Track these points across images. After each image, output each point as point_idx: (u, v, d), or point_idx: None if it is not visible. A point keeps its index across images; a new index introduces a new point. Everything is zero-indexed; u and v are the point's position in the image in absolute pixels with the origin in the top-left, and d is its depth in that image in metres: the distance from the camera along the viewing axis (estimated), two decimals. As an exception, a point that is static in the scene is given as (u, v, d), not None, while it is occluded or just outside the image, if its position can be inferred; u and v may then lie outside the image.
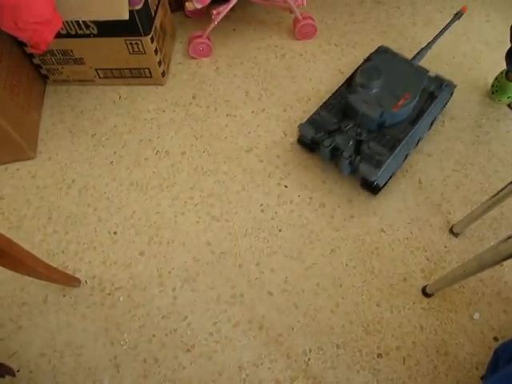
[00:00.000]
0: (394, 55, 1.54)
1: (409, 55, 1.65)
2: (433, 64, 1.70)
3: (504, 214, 1.34)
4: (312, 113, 1.45)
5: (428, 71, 1.46)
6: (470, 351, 1.13)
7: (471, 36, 1.82)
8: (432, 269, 1.25)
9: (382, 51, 1.58)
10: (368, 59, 1.55)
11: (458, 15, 1.52)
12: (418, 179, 1.42)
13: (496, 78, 1.60)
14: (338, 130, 1.37)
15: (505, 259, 0.89)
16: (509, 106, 1.58)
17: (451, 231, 1.31)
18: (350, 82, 1.47)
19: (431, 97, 1.44)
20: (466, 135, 1.52)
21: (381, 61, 1.48)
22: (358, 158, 1.30)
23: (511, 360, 0.89)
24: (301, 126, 1.41)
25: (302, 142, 1.48)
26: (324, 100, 1.48)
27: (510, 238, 0.87)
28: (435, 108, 1.43)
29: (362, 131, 1.35)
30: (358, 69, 1.47)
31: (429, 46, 1.52)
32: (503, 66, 1.57)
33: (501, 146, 1.49)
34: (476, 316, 1.18)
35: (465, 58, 1.74)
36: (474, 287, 1.22)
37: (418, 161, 1.46)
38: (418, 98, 1.36)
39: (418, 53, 1.52)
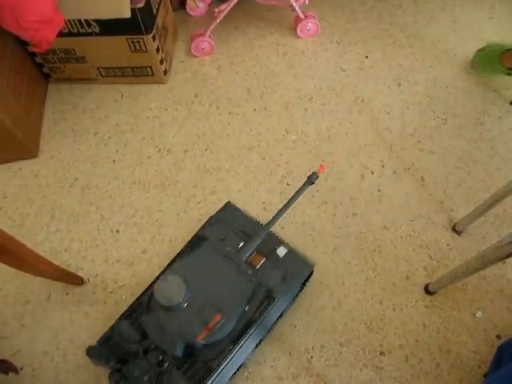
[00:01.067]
0: (228, 231, 1.14)
1: (407, 53, 1.66)
2: (434, 62, 1.70)
3: (507, 211, 1.34)
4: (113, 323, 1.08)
5: (278, 247, 1.12)
6: (472, 349, 1.13)
7: (475, 33, 1.81)
8: (435, 267, 1.25)
9: (220, 219, 1.20)
10: (197, 237, 1.18)
11: (310, 179, 1.11)
12: (420, 176, 1.42)
13: (483, 50, 1.62)
14: (136, 354, 0.99)
15: (508, 257, 0.89)
16: (511, 103, 1.58)
17: (454, 229, 1.31)
18: (150, 292, 1.07)
19: (270, 295, 1.05)
20: (468, 132, 1.52)
21: (198, 255, 1.09)
22: None
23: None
24: (89, 351, 0.99)
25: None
26: (134, 300, 1.11)
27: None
28: (277, 308, 1.06)
29: (164, 357, 0.97)
30: (159, 275, 1.12)
31: (266, 228, 1.09)
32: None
33: (503, 144, 1.48)
34: (479, 314, 1.18)
35: (468, 55, 1.73)
36: (477, 285, 1.22)
37: (420, 158, 1.45)
38: (238, 314, 0.99)
39: (251, 239, 1.09)
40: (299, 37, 1.82)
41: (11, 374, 1.06)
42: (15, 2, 1.15)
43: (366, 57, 1.75)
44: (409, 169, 1.43)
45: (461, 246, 1.28)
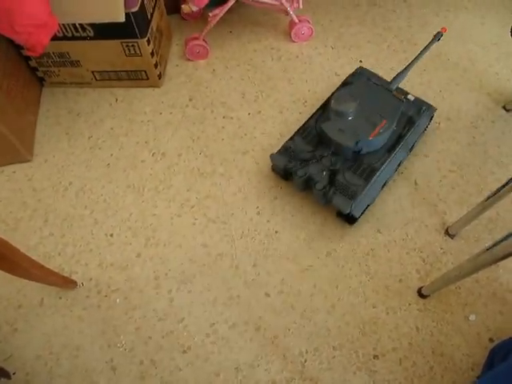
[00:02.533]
0: (372, 78, 1.47)
1: (400, 58, 1.67)
2: (428, 65, 1.71)
3: (500, 214, 1.34)
4: (288, 139, 1.39)
5: (407, 95, 1.43)
6: (465, 352, 1.13)
7: (467, 38, 1.83)
8: (428, 270, 1.26)
9: (359, 74, 1.53)
10: (345, 83, 1.51)
11: (437, 36, 1.42)
12: (414, 180, 1.42)
13: None
14: (311, 158, 1.31)
15: (500, 260, 0.89)
16: (504, 107, 1.59)
17: (447, 232, 1.31)
18: (324, 108, 1.42)
19: (410, 122, 1.39)
20: (461, 136, 1.53)
21: (357, 85, 1.43)
22: (332, 189, 1.25)
23: (506, 358, 0.89)
24: (272, 156, 1.35)
25: (275, 170, 1.44)
26: (300, 124, 1.42)
27: (505, 238, 0.87)
28: (414, 133, 1.38)
29: (336, 160, 1.29)
30: (333, 93, 1.44)
31: (407, 68, 1.42)
32: (497, 67, 1.58)
33: (496, 148, 1.49)
34: (472, 317, 1.18)
35: (460, 59, 1.75)
36: (470, 288, 1.22)
37: (414, 162, 1.46)
38: (395, 124, 1.32)
39: (396, 76, 1.43)
40: (293, 41, 1.83)
41: (3, 379, 1.05)
42: (9, 5, 1.15)
43: (360, 61, 1.76)
44: (402, 172, 1.44)
45: (454, 249, 1.29)
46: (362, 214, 1.28)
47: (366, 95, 1.35)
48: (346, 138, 1.26)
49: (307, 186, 1.31)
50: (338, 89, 1.49)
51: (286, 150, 1.35)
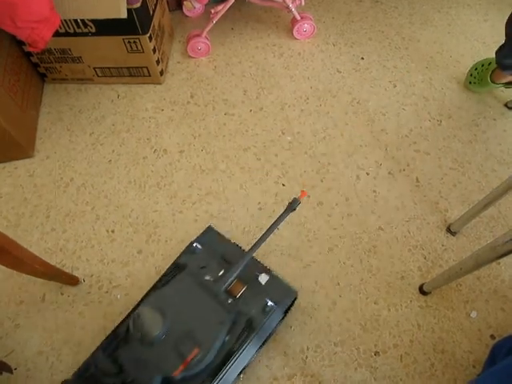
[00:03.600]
0: (208, 258, 1.10)
1: (402, 55, 1.66)
2: (430, 63, 1.71)
3: (501, 212, 1.34)
4: (92, 352, 1.04)
5: (258, 275, 1.08)
6: (467, 349, 1.13)
7: (469, 35, 1.82)
8: (429, 267, 1.26)
9: (192, 253, 1.13)
10: (174, 268, 1.13)
11: (292, 205, 1.08)
12: (415, 177, 1.42)
13: (475, 69, 1.62)
14: None
15: (501, 257, 0.89)
16: (506, 105, 1.59)
17: (448, 230, 1.31)
18: (127, 324, 0.99)
19: (252, 324, 1.01)
20: (463, 134, 1.52)
21: (175, 286, 1.04)
22: None
23: (509, 354, 0.89)
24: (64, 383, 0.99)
25: None
26: (111, 330, 1.07)
27: (506, 235, 0.87)
28: (259, 336, 1.02)
29: None
30: (138, 304, 1.08)
31: (246, 257, 1.05)
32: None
33: (498, 145, 1.49)
34: (473, 314, 1.18)
35: (462, 56, 1.75)
36: (471, 285, 1.22)
37: (415, 159, 1.46)
38: (215, 348, 0.95)
39: (231, 268, 1.04)
40: (295, 38, 1.83)
41: (5, 374, 1.05)
42: (11, 0, 1.15)
43: (362, 58, 1.76)
44: (404, 170, 1.43)
45: (455, 246, 1.29)
46: None
47: (184, 304, 1.00)
48: (144, 373, 0.92)
49: None
50: (157, 283, 1.12)
51: (84, 372, 0.99)
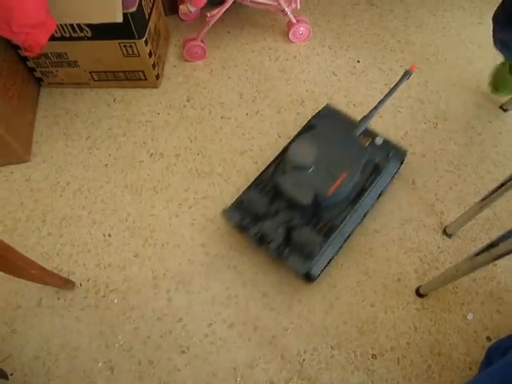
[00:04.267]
0: (337, 120, 1.39)
1: (398, 58, 1.67)
2: (425, 65, 1.71)
3: (497, 214, 1.35)
4: (243, 191, 1.28)
5: (375, 137, 1.32)
6: (463, 351, 1.14)
7: (464, 38, 1.83)
8: (425, 269, 1.26)
9: (324, 114, 1.42)
10: (308, 125, 1.39)
11: (406, 75, 1.31)
12: (411, 180, 1.42)
13: (494, 75, 1.59)
14: (267, 213, 1.20)
15: (496, 259, 0.90)
16: (501, 107, 1.60)
17: (444, 232, 1.32)
18: (282, 159, 1.29)
19: (376, 170, 1.28)
20: (458, 136, 1.53)
21: (318, 132, 1.31)
22: (288, 248, 1.15)
23: (505, 355, 0.90)
24: (225, 213, 1.24)
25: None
26: (256, 175, 1.30)
27: (501, 237, 0.88)
28: (381, 182, 1.28)
29: (293, 215, 1.19)
30: (292, 140, 1.35)
31: (373, 112, 1.31)
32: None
33: (493, 148, 1.50)
34: (469, 316, 1.19)
35: (457, 59, 1.76)
36: (468, 287, 1.23)
37: (411, 161, 1.46)
38: (358, 175, 1.21)
39: (362, 120, 1.32)
40: (291, 41, 1.83)
41: (1, 380, 1.05)
42: (7, 5, 1.15)
43: (358, 61, 1.77)
44: (400, 172, 1.44)
45: (451, 248, 1.29)
46: (322, 272, 1.18)
47: (328, 143, 1.24)
48: (303, 193, 1.16)
49: (262, 243, 1.19)
50: (298, 133, 1.38)
51: (240, 204, 1.24)
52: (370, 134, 1.34)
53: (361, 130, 1.30)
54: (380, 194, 1.30)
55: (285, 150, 1.34)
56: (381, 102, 1.31)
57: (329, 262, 1.19)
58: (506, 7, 1.32)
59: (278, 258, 1.16)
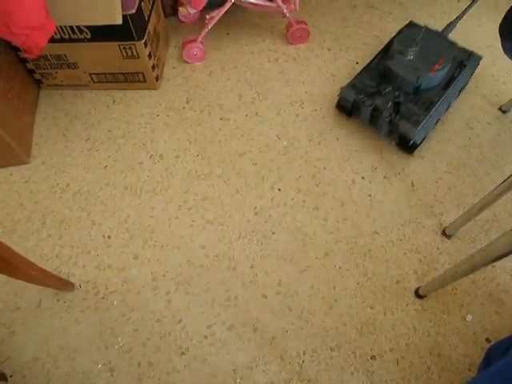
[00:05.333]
0: (425, 28, 1.59)
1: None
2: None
3: (496, 215, 1.35)
4: (354, 76, 1.56)
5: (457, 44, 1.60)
6: (462, 352, 1.14)
7: (463, 40, 1.83)
8: (425, 271, 1.26)
9: (412, 25, 1.70)
10: (400, 32, 1.66)
11: None
12: (410, 181, 1.43)
13: None
14: (377, 93, 1.47)
15: (495, 260, 0.90)
16: (500, 109, 1.60)
17: (444, 233, 1.32)
18: (387, 50, 1.60)
19: (460, 65, 1.54)
20: (457, 138, 1.53)
21: (413, 31, 1.53)
22: (398, 117, 1.41)
23: (505, 355, 0.90)
24: (343, 89, 1.51)
25: (341, 106, 1.58)
26: (363, 66, 1.59)
27: (500, 238, 0.88)
28: (464, 76, 1.54)
29: (399, 94, 1.44)
30: (393, 38, 1.61)
31: (458, 18, 1.56)
32: (493, 69, 1.59)
33: (492, 149, 1.50)
34: (469, 317, 1.19)
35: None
36: (467, 289, 1.23)
37: (410, 163, 1.47)
38: (450, 64, 1.48)
39: (448, 25, 1.58)
40: (290, 43, 1.83)
41: (0, 382, 1.05)
42: (7, 8, 1.15)
43: (357, 63, 1.77)
44: (399, 174, 1.44)
45: (450, 249, 1.29)
46: (421, 143, 1.46)
47: (424, 39, 1.47)
48: (409, 73, 1.43)
49: (373, 116, 1.46)
50: (396, 35, 1.64)
51: (352, 86, 1.51)
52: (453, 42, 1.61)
53: (448, 33, 1.58)
54: (462, 89, 1.59)
55: (387, 46, 1.64)
56: (464, 10, 1.55)
57: (425, 136, 1.47)
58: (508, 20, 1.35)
59: (388, 127, 1.44)
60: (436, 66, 1.45)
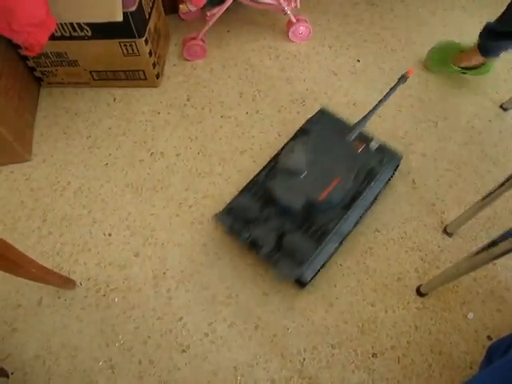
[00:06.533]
0: (332, 124, 1.37)
1: (398, 57, 1.66)
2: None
3: (497, 213, 1.35)
4: (236, 194, 1.28)
5: (370, 142, 1.30)
6: (464, 350, 1.14)
7: (464, 37, 1.83)
8: (426, 268, 1.26)
9: (318, 119, 1.40)
10: (302, 130, 1.38)
11: (402, 79, 1.24)
12: (411, 179, 1.42)
13: (438, 48, 1.70)
14: (259, 218, 1.20)
15: (497, 258, 0.90)
16: (501, 106, 1.60)
17: (445, 231, 1.32)
18: (275, 163, 1.29)
19: (370, 175, 1.26)
20: (458, 135, 1.53)
21: (312, 137, 1.28)
22: (279, 254, 1.14)
23: (506, 353, 0.90)
24: (217, 217, 1.24)
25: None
26: (249, 180, 1.30)
27: (501, 236, 0.88)
28: (375, 187, 1.26)
29: (285, 220, 1.18)
30: (286, 144, 1.33)
31: (367, 117, 1.27)
32: (494, 67, 1.59)
33: (493, 147, 1.50)
34: (470, 315, 1.19)
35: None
36: (468, 286, 1.23)
37: (411, 161, 1.46)
38: (351, 182, 1.19)
39: (355, 125, 1.28)
40: (291, 41, 1.83)
41: (1, 379, 1.05)
42: (8, 5, 1.15)
43: (358, 60, 1.76)
44: (400, 171, 1.44)
45: (452, 247, 1.29)
46: (314, 277, 1.18)
47: (320, 148, 1.24)
48: (294, 199, 1.15)
49: (253, 247, 1.18)
50: (292, 138, 1.37)
51: (232, 209, 1.23)
52: (366, 138, 1.31)
53: (354, 136, 1.27)
54: (375, 198, 1.30)
55: (278, 154, 1.32)
56: (376, 106, 1.26)
57: (321, 268, 1.18)
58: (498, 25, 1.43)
59: (269, 263, 1.16)
60: (329, 188, 1.15)
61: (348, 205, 1.21)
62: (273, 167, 1.28)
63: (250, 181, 1.29)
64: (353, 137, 1.26)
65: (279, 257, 1.14)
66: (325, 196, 1.14)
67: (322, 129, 1.33)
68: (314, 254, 1.13)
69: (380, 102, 1.26)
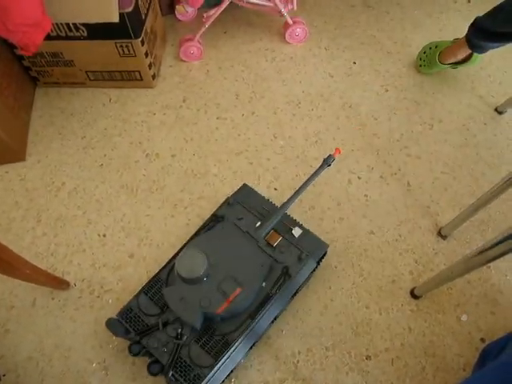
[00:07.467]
0: (245, 213, 1.19)
1: (394, 59, 1.67)
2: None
3: (491, 216, 1.35)
4: (135, 294, 1.11)
5: (291, 230, 1.16)
6: (457, 352, 1.14)
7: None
8: (420, 271, 1.26)
9: (231, 206, 1.22)
10: (211, 220, 1.21)
11: (328, 160, 1.17)
12: (406, 181, 1.43)
13: (424, 52, 1.69)
14: (155, 326, 1.03)
15: (491, 261, 0.90)
16: (496, 109, 1.60)
17: (439, 233, 1.32)
18: (172, 266, 1.11)
19: (286, 273, 1.10)
20: (454, 138, 1.54)
21: (217, 233, 1.13)
22: (171, 373, 0.97)
23: (499, 355, 0.90)
24: (108, 323, 1.04)
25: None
26: (151, 277, 1.13)
27: (496, 239, 0.88)
28: (290, 287, 1.10)
29: (184, 330, 1.01)
30: (185, 245, 1.17)
31: (286, 205, 1.15)
32: (490, 69, 1.60)
33: (488, 150, 1.50)
34: (464, 317, 1.19)
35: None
36: (462, 289, 1.23)
37: (406, 163, 1.47)
38: (256, 290, 1.04)
39: (272, 215, 1.14)
40: (288, 42, 1.83)
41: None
42: (3, 4, 1.14)
43: (354, 63, 1.77)
44: (395, 174, 1.44)
45: (446, 250, 1.29)
46: None
47: (225, 248, 1.08)
48: (188, 310, 0.99)
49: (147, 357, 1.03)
50: (196, 233, 1.20)
51: (126, 313, 1.07)
52: (286, 227, 1.17)
53: (267, 230, 1.13)
54: (295, 294, 1.15)
55: (177, 254, 1.16)
56: (296, 193, 1.17)
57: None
58: (492, 25, 1.38)
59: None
60: (229, 300, 0.99)
61: (256, 311, 1.05)
62: (170, 271, 1.12)
63: (150, 280, 1.12)
64: (264, 232, 1.13)
65: (171, 376, 0.98)
66: (223, 309, 0.99)
67: (231, 223, 1.15)
68: (213, 370, 0.98)
69: (300, 188, 1.17)
